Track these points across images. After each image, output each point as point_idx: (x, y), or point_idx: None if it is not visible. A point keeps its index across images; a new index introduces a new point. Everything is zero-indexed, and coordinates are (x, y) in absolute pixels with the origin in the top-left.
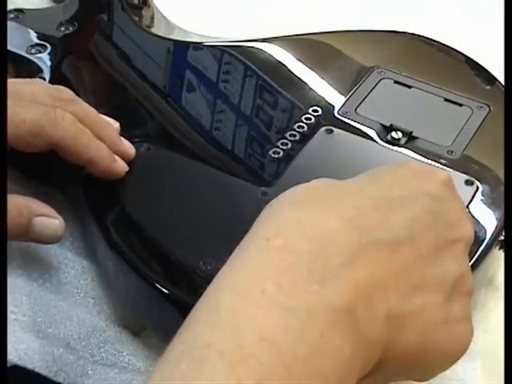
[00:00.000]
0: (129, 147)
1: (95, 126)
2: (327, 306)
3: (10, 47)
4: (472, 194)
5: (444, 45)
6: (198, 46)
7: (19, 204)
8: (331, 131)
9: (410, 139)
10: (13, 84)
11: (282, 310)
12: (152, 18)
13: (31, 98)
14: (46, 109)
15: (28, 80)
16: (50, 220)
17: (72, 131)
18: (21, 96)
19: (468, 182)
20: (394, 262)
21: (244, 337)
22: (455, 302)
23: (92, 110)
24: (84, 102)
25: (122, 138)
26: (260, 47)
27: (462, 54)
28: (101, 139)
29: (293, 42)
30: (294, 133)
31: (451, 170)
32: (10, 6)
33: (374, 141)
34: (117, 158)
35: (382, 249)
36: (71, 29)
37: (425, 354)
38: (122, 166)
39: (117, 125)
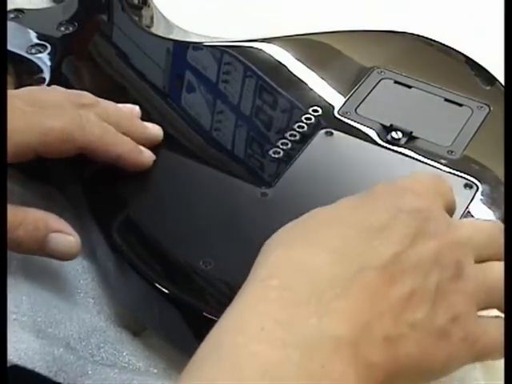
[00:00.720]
0: (155, 130)
1: (119, 123)
2: (327, 337)
3: (10, 47)
4: (471, 197)
5: (444, 45)
6: (197, 46)
7: (37, 218)
8: (331, 133)
9: (410, 139)
10: (32, 92)
11: (281, 344)
12: (152, 18)
13: (54, 105)
14: (72, 114)
15: (46, 88)
16: (65, 237)
17: (98, 132)
18: (44, 104)
19: (467, 186)
20: (383, 286)
21: (246, 371)
22: (439, 306)
23: (113, 107)
24: (104, 101)
25: (146, 123)
26: (260, 47)
27: (462, 54)
28: (126, 132)
29: (293, 41)
30: (294, 133)
31: (451, 170)
32: (10, 6)
33: (374, 142)
34: (142, 148)
35: (370, 275)
36: (71, 29)
37: (429, 360)
38: (148, 156)
39: (137, 109)
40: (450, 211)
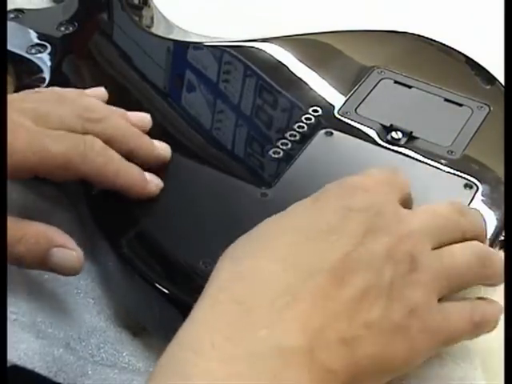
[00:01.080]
0: (163, 150)
1: (127, 140)
2: (277, 348)
3: (10, 47)
4: (471, 198)
5: (444, 45)
6: (197, 46)
7: (38, 231)
8: (331, 133)
9: (410, 139)
10: (38, 106)
11: (232, 359)
12: (152, 18)
13: (59, 121)
14: (75, 139)
15: (54, 94)
16: (67, 251)
17: (100, 161)
18: (49, 121)
19: (467, 186)
20: (334, 288)
21: None
22: (395, 302)
23: (122, 123)
24: (115, 117)
25: (155, 141)
26: (260, 47)
27: (462, 54)
28: (133, 151)
29: (293, 41)
30: (294, 133)
31: (451, 170)
32: (10, 6)
33: (374, 142)
34: (148, 176)
35: (321, 279)
36: (71, 29)
37: (389, 358)
38: (154, 185)
39: (148, 118)
40: (406, 203)
